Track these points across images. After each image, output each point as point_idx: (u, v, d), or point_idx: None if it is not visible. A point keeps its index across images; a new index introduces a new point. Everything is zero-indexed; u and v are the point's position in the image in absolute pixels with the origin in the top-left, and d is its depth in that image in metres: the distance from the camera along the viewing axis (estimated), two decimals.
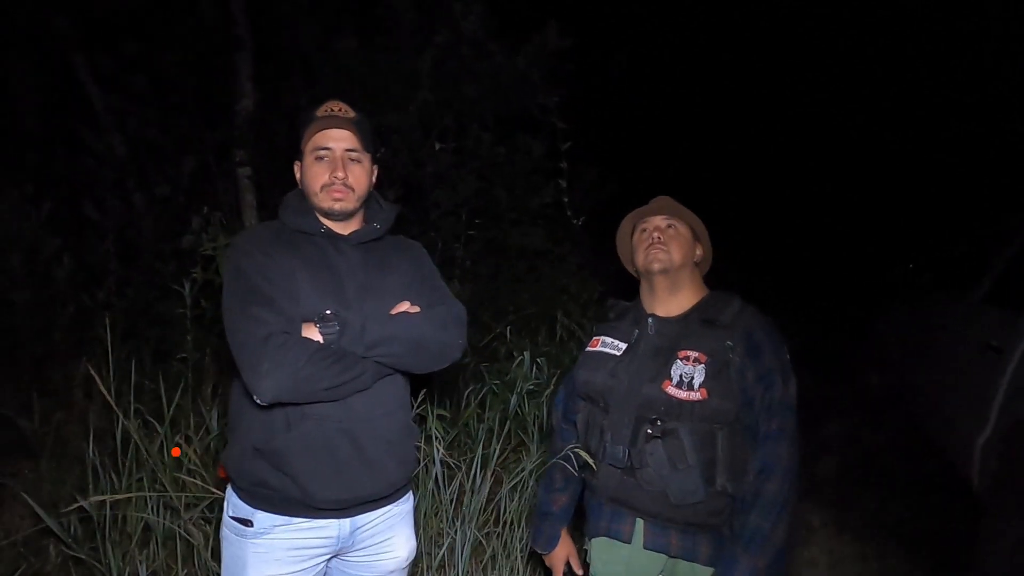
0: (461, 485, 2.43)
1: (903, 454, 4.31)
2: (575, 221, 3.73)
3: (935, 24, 8.72)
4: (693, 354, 1.60)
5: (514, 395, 2.69)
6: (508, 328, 3.34)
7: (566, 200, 3.72)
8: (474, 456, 2.44)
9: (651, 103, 8.94)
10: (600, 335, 1.80)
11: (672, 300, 1.73)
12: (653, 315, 1.73)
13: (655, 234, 1.71)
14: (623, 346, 1.72)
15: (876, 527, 3.44)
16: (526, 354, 2.84)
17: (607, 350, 1.74)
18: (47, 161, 4.39)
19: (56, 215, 3.69)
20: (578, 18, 4.17)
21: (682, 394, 1.57)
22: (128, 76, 4.08)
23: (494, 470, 2.46)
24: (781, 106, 10.94)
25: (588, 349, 1.81)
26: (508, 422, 2.64)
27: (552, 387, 2.78)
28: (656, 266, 1.69)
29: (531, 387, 2.76)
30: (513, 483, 2.45)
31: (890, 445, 4.49)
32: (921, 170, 9.77)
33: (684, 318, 1.69)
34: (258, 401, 1.37)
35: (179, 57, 4.14)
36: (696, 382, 1.56)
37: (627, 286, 1.91)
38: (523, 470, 2.46)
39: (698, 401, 1.55)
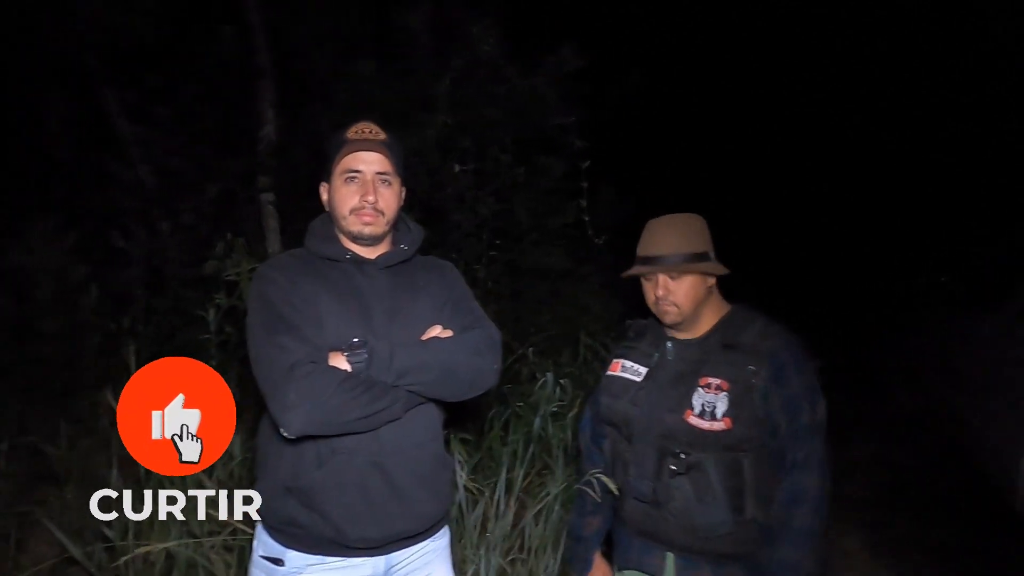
0: (485, 511, 2.39)
1: (938, 473, 4.19)
2: (596, 240, 3.69)
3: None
4: (715, 381, 1.55)
5: (538, 417, 2.65)
6: (531, 349, 3.30)
7: (587, 219, 3.69)
8: (497, 480, 2.40)
9: (669, 119, 8.91)
10: (620, 358, 1.77)
11: (691, 326, 1.67)
12: (672, 339, 1.68)
13: (659, 291, 1.63)
14: (643, 371, 1.68)
15: (913, 550, 3.33)
16: (549, 375, 2.79)
17: (627, 375, 1.70)
18: (76, 191, 4.48)
19: (84, 244, 3.75)
20: (593, 37, 4.17)
21: (704, 424, 1.52)
22: (153, 107, 4.17)
23: (518, 495, 2.42)
24: (804, 118, 10.86)
25: (609, 373, 1.77)
26: (532, 445, 2.60)
27: (576, 408, 2.73)
28: (668, 319, 1.65)
29: (555, 409, 2.71)
30: (538, 508, 2.41)
31: (924, 464, 4.37)
32: (952, 179, 9.57)
33: (704, 340, 1.64)
34: (285, 434, 1.31)
35: (202, 87, 4.21)
36: (719, 411, 1.52)
37: None
38: (548, 495, 2.42)
39: (722, 431, 1.51)
